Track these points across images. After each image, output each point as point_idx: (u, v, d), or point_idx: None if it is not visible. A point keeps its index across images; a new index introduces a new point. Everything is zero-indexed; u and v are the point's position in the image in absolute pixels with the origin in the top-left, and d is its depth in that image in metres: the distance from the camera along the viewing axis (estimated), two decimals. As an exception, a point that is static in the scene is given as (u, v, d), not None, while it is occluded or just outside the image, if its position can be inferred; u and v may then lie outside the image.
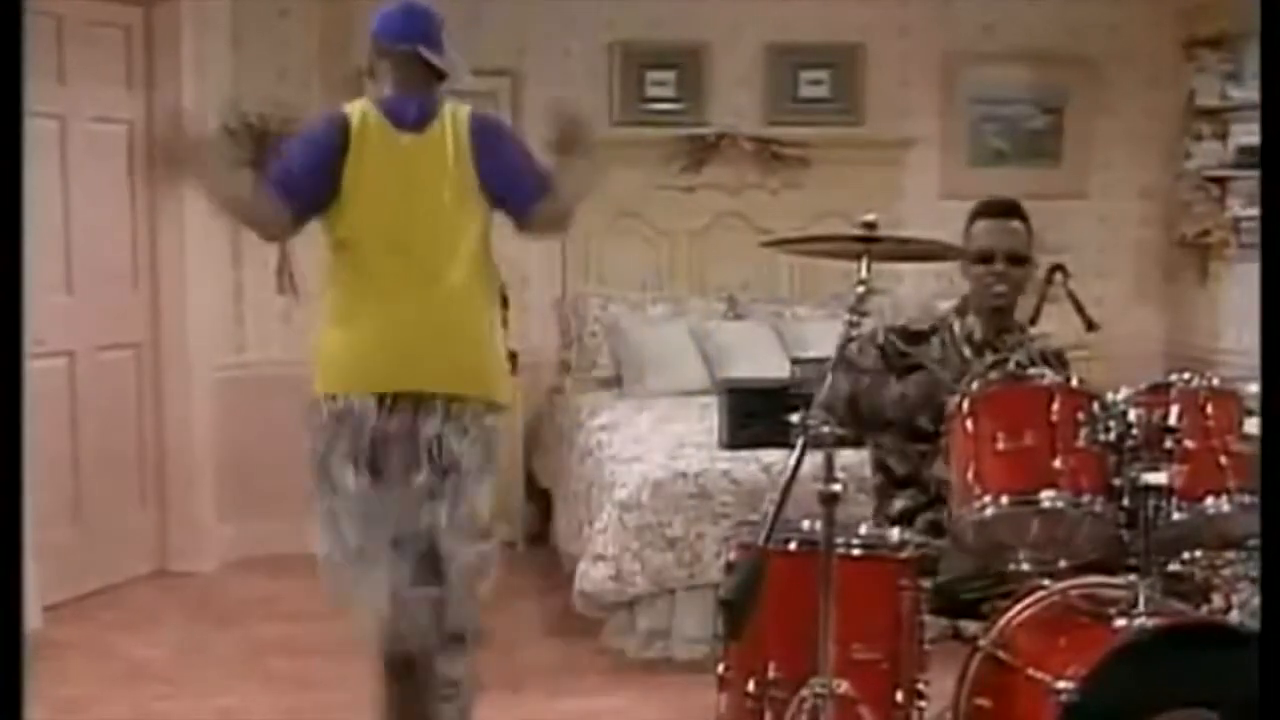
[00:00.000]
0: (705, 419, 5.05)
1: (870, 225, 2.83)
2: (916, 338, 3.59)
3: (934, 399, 3.33)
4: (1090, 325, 5.76)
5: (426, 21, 3.48)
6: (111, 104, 5.49)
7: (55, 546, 5.10)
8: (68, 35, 5.25)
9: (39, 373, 5.05)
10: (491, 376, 3.42)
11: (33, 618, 4.91)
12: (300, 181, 3.34)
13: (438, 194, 3.34)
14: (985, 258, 3.51)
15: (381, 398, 3.28)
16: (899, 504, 3.55)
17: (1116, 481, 2.88)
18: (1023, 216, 3.59)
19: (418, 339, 3.32)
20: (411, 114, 3.38)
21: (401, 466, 3.29)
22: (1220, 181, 6.31)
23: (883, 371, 3.53)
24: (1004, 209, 3.59)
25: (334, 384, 3.33)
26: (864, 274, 2.83)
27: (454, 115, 3.40)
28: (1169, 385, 2.94)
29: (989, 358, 3.51)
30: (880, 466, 3.64)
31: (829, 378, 2.77)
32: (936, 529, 3.23)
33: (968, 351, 3.55)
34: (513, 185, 3.38)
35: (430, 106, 3.40)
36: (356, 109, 3.40)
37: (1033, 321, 3.69)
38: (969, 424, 3.01)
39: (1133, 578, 2.84)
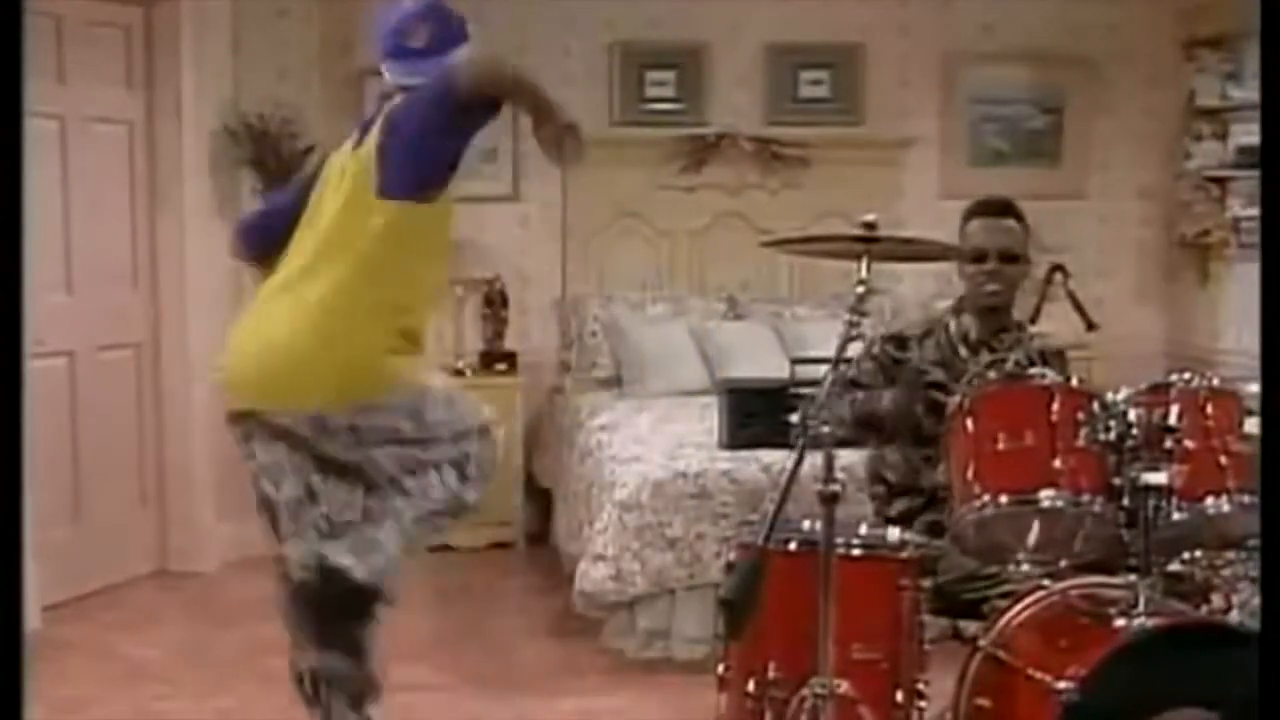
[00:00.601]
0: (705, 419, 5.05)
1: (870, 225, 2.83)
2: (910, 343, 3.60)
3: (924, 395, 3.35)
4: (1090, 325, 5.75)
5: (389, 34, 3.27)
6: (111, 104, 5.49)
7: (55, 546, 5.10)
8: (67, 35, 5.25)
9: (39, 373, 5.05)
10: (317, 381, 3.15)
11: (33, 618, 4.91)
12: (254, 231, 3.43)
13: (332, 205, 3.18)
14: (979, 257, 3.52)
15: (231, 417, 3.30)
16: (898, 506, 3.55)
17: (1116, 481, 2.89)
18: (1017, 215, 3.58)
19: (243, 354, 3.24)
20: (369, 125, 3.23)
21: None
22: (1220, 181, 6.31)
23: (879, 384, 3.54)
24: (998, 208, 3.59)
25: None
26: (864, 274, 2.83)
27: (381, 121, 3.17)
28: (1169, 385, 2.94)
29: (985, 357, 3.51)
30: (877, 478, 3.64)
31: (826, 388, 2.76)
32: (936, 530, 3.24)
33: (964, 351, 3.55)
34: (394, 172, 3.10)
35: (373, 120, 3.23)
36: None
37: (1032, 321, 3.69)
38: (969, 424, 3.01)
39: (1133, 578, 2.84)
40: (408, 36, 3.26)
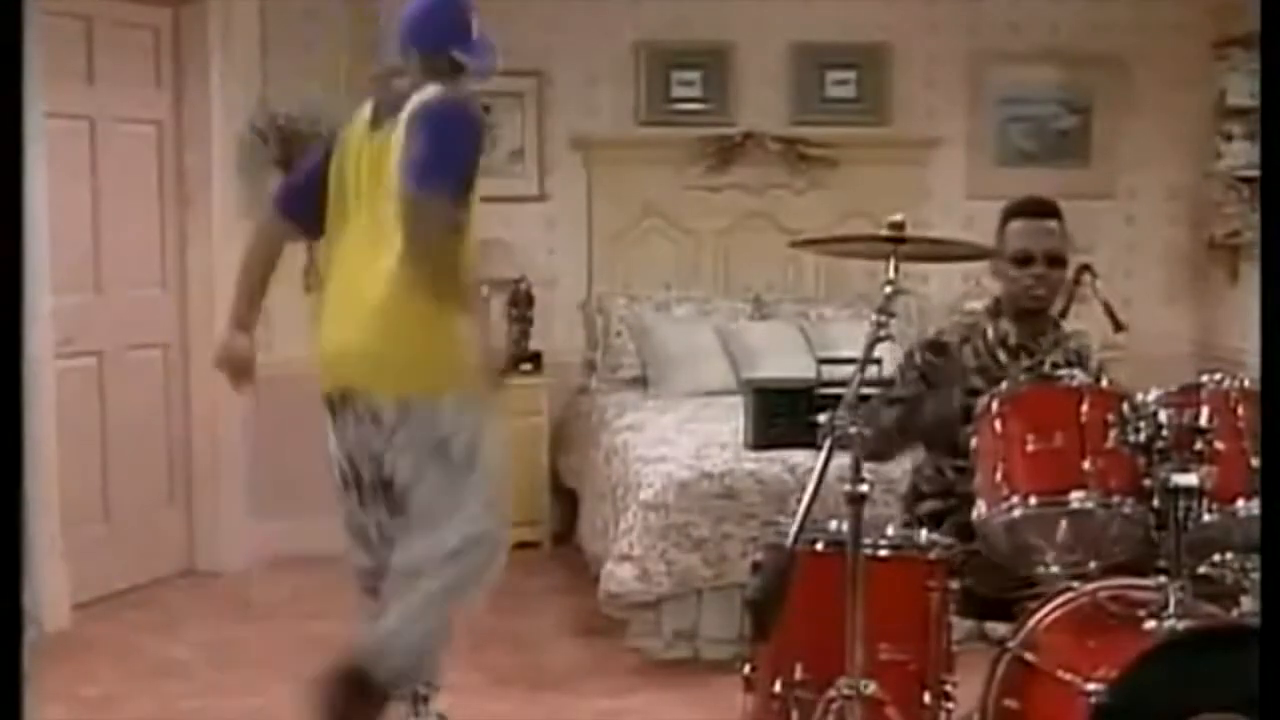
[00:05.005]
0: (731, 419, 5.04)
1: (898, 226, 2.82)
2: (949, 349, 3.54)
3: (964, 399, 3.31)
4: (1119, 326, 5.71)
5: (406, 26, 3.46)
6: (140, 105, 5.51)
7: (84, 546, 5.13)
8: (96, 36, 5.28)
9: (67, 373, 5.09)
10: (412, 368, 3.26)
11: (61, 617, 4.94)
12: (298, 194, 3.51)
13: (375, 193, 3.31)
14: (1024, 259, 3.45)
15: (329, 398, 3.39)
16: (926, 507, 3.52)
17: (1146, 483, 2.86)
18: (1058, 215, 3.52)
19: (340, 333, 3.36)
20: (393, 109, 3.35)
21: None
22: (1250, 181, 6.26)
23: (920, 395, 3.49)
24: (1040, 208, 3.52)
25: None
26: (892, 275, 2.82)
27: (410, 110, 3.29)
28: (1200, 386, 2.92)
29: (1025, 361, 3.47)
30: (911, 485, 3.61)
31: (853, 389, 2.75)
32: (964, 531, 3.21)
33: (1003, 356, 3.49)
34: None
35: (398, 103, 3.34)
36: (360, 113, 3.44)
37: (1061, 317, 3.65)
38: (998, 425, 2.99)
39: (1162, 580, 2.81)
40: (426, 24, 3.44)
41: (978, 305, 3.71)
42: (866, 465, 2.78)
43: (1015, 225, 3.50)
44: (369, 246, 3.30)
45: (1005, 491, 2.92)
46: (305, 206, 3.48)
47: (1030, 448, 2.93)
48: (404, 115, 3.28)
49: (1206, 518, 2.84)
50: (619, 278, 6.37)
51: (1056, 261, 3.48)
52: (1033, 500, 2.90)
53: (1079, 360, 3.44)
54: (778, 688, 2.93)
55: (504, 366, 3.48)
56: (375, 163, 3.32)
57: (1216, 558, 2.93)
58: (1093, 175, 6.61)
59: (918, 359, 3.53)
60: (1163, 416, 2.86)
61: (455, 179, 3.21)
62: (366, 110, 3.43)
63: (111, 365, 5.41)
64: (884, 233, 2.84)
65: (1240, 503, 2.86)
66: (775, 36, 6.44)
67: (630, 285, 6.33)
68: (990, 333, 3.53)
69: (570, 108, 6.30)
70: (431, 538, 3.27)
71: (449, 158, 3.20)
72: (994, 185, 5.85)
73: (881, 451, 3.37)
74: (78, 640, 4.82)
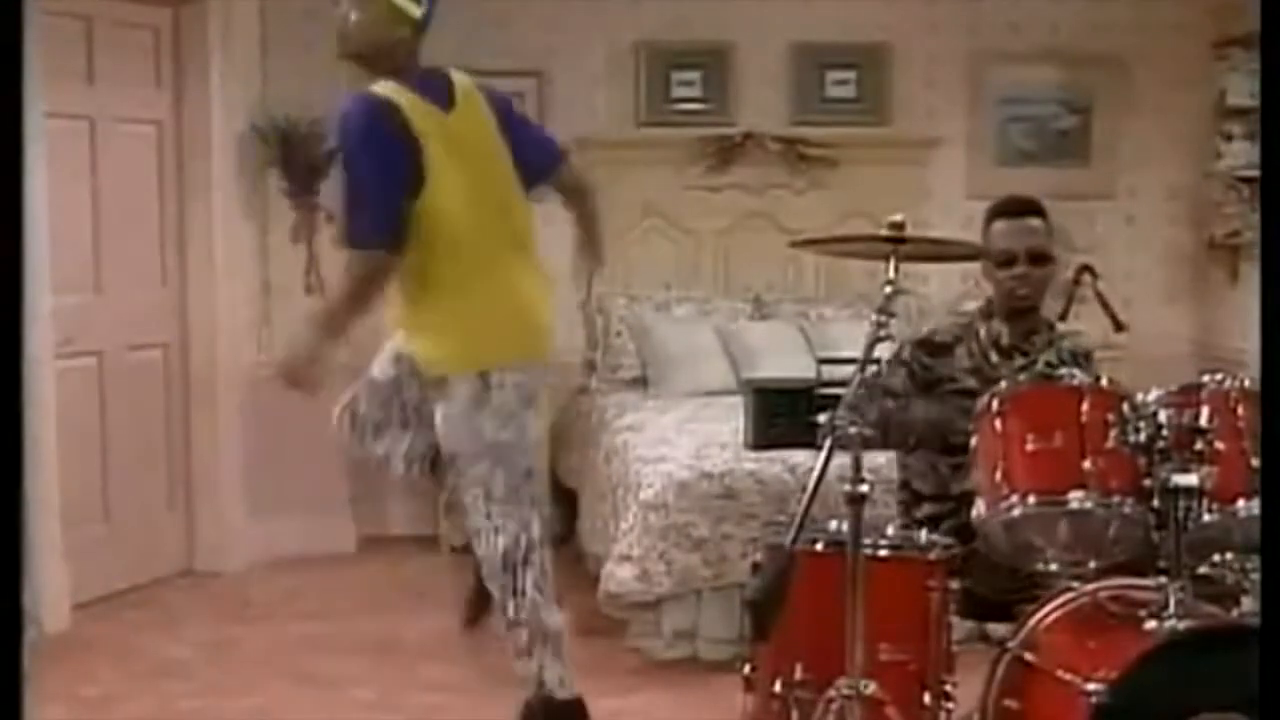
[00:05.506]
0: (731, 419, 5.03)
1: (898, 226, 2.82)
2: (942, 349, 3.54)
3: (959, 408, 3.31)
4: (1119, 326, 5.72)
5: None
6: (140, 104, 5.51)
7: (84, 546, 5.13)
8: (96, 37, 5.28)
9: (68, 373, 5.09)
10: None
11: (61, 617, 4.94)
12: (397, 218, 3.27)
13: (498, 168, 3.45)
14: (1007, 260, 3.46)
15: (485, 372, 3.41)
16: (925, 509, 3.52)
17: (1146, 483, 2.86)
18: (1041, 213, 3.52)
19: (527, 310, 3.50)
20: (441, 91, 3.39)
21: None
22: (1250, 182, 6.26)
23: (910, 392, 3.49)
24: (1021, 207, 3.53)
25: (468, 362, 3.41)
26: (892, 275, 2.82)
27: (466, 90, 3.45)
28: (1200, 386, 2.92)
29: (1018, 361, 3.47)
30: (904, 485, 3.61)
31: (853, 388, 2.75)
32: (963, 533, 3.21)
33: (996, 357, 3.50)
34: (543, 151, 3.64)
35: (447, 81, 3.43)
36: (395, 97, 3.28)
37: (1061, 318, 3.65)
38: (998, 424, 2.99)
39: (1162, 580, 2.81)
40: None
41: (974, 305, 3.71)
42: (865, 462, 2.79)
43: (998, 226, 3.51)
44: (501, 222, 3.44)
45: (1005, 491, 2.92)
46: (402, 232, 3.30)
47: (1030, 447, 2.93)
48: (472, 96, 3.43)
49: (1206, 518, 2.84)
50: (619, 278, 6.36)
51: (1040, 259, 3.48)
52: (1032, 500, 2.90)
53: (1074, 360, 3.43)
54: (778, 688, 2.94)
55: None
56: (465, 141, 3.38)
57: (1216, 558, 2.93)
58: (1093, 175, 6.61)
59: (906, 355, 3.54)
60: (1163, 416, 2.86)
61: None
62: (406, 97, 3.29)
63: (111, 365, 5.41)
64: (884, 233, 2.84)
65: (1240, 503, 2.86)
66: (775, 36, 6.44)
67: (630, 285, 6.32)
68: (983, 333, 3.53)
69: (570, 108, 6.29)
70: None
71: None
72: (994, 185, 5.82)
73: (870, 441, 3.36)
74: (78, 640, 4.82)
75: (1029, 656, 2.90)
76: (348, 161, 3.31)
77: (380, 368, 3.61)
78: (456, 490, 3.50)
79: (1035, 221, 3.50)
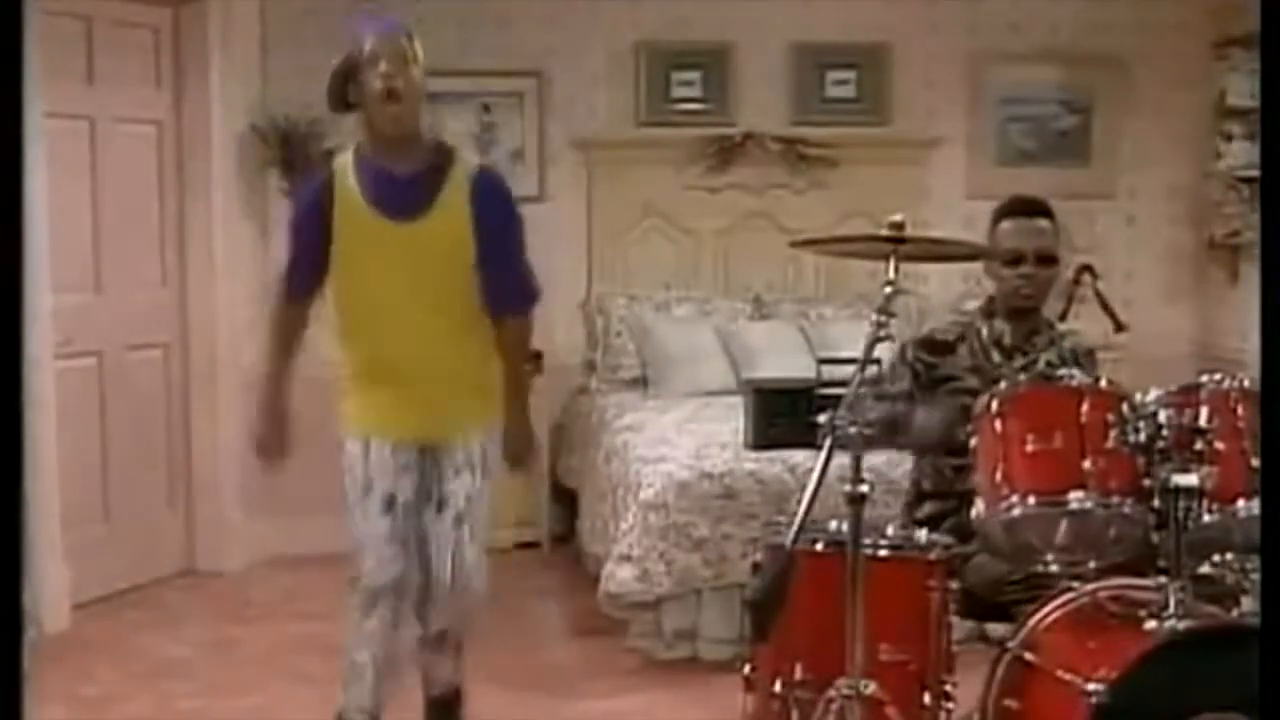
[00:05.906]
0: (731, 419, 5.04)
1: (899, 226, 2.82)
2: (944, 348, 3.53)
3: (960, 410, 3.30)
4: (1119, 326, 5.71)
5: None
6: (140, 104, 5.52)
7: (83, 546, 5.13)
8: (96, 37, 5.28)
9: (67, 373, 5.09)
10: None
11: (61, 617, 4.94)
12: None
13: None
14: (1014, 259, 3.46)
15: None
16: (926, 508, 3.52)
17: (1146, 483, 2.86)
18: (1050, 214, 3.52)
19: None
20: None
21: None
22: (1250, 182, 6.26)
23: (914, 393, 3.48)
24: (1030, 207, 3.53)
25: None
26: (892, 275, 2.82)
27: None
28: (1200, 386, 2.92)
29: (1019, 361, 3.47)
30: (915, 483, 3.61)
31: (853, 389, 2.74)
32: (963, 532, 3.21)
33: (997, 356, 3.50)
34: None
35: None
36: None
37: (1061, 318, 3.65)
38: (998, 424, 2.99)
39: (1162, 580, 2.81)
40: None
41: (975, 305, 3.70)
42: (865, 462, 2.79)
43: (1005, 225, 3.51)
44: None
45: (1005, 491, 2.92)
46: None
47: (1030, 447, 2.93)
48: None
49: (1206, 518, 2.84)
50: (619, 278, 6.37)
51: (1047, 260, 3.48)
52: (1032, 500, 2.90)
53: (1076, 360, 3.43)
54: (778, 688, 2.93)
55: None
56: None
57: (1216, 558, 2.93)
58: (1093, 175, 6.60)
59: (909, 355, 3.53)
60: (1163, 416, 2.86)
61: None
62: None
63: (111, 365, 5.41)
64: (884, 233, 2.84)
65: (1240, 503, 2.86)
66: (775, 36, 6.44)
67: (630, 285, 6.32)
68: (985, 332, 3.53)
69: (570, 108, 6.30)
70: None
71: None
72: (994, 185, 5.83)
73: (871, 439, 3.36)
74: (77, 640, 4.82)
75: (1029, 656, 2.90)
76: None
77: None
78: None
79: (1044, 222, 3.50)
